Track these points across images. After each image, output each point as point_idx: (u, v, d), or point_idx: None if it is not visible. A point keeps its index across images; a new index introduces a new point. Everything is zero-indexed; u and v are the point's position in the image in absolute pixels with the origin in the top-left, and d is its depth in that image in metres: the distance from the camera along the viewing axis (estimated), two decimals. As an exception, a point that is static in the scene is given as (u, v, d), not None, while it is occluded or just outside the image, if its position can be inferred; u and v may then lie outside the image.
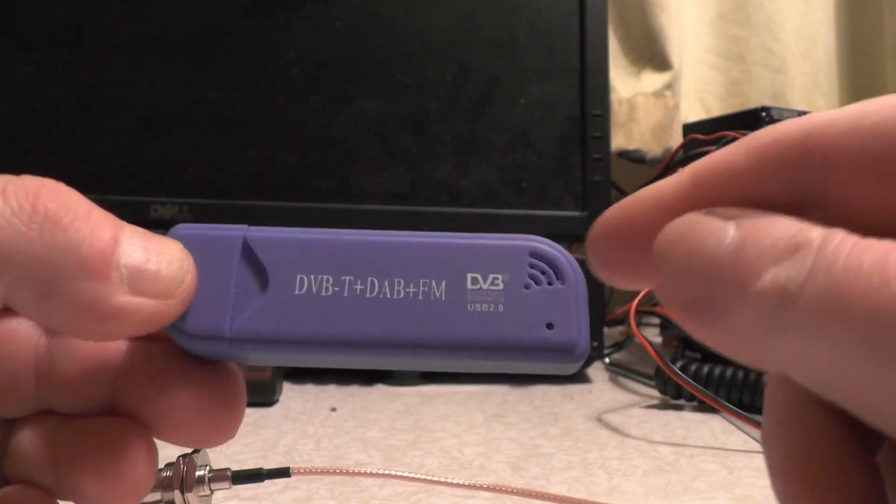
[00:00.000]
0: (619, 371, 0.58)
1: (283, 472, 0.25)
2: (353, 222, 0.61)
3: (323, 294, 0.16)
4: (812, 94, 1.02)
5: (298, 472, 0.25)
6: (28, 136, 0.59)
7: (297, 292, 0.16)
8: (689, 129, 0.83)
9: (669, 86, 0.95)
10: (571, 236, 0.65)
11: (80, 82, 0.60)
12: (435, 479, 0.26)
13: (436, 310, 0.15)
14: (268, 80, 0.61)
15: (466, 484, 0.26)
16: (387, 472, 0.26)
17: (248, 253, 0.16)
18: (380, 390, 0.55)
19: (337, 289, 0.16)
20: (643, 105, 0.94)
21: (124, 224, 0.16)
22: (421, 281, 0.16)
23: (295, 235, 0.16)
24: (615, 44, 0.96)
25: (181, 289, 0.16)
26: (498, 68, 0.62)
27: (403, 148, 0.61)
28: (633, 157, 0.94)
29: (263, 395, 0.48)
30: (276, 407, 0.48)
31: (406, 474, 0.26)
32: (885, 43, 1.01)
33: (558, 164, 0.62)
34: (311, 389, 0.54)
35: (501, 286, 0.15)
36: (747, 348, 0.13)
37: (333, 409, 0.47)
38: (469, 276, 0.15)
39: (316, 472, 0.26)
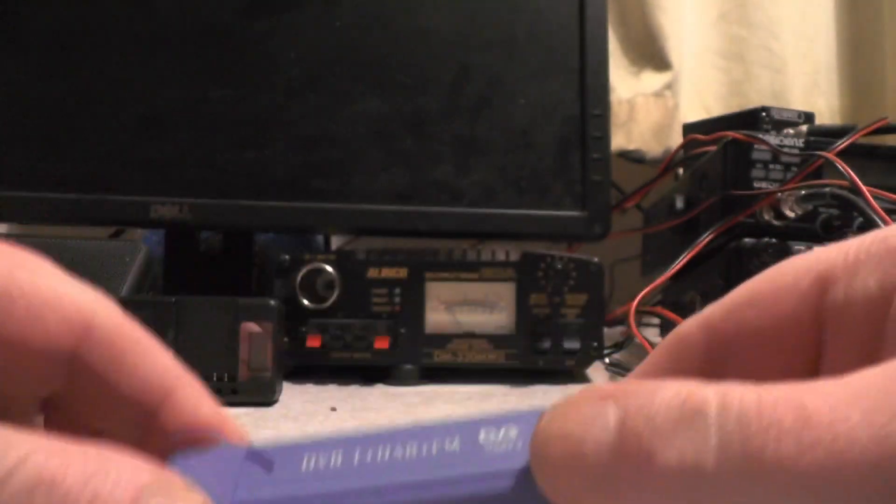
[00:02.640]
0: (619, 371, 0.58)
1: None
2: (353, 222, 0.61)
3: (331, 466, 0.15)
4: (812, 94, 1.02)
5: None
6: (28, 136, 0.59)
7: (303, 469, 0.15)
8: (689, 129, 0.82)
9: (669, 86, 0.95)
10: (571, 236, 0.65)
11: (80, 82, 0.60)
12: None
13: (450, 457, 0.14)
14: (268, 80, 0.61)
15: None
16: None
17: (252, 455, 0.15)
18: (380, 390, 0.55)
19: (345, 460, 0.15)
20: (643, 105, 0.94)
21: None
22: (434, 440, 0.15)
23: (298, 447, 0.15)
24: (615, 44, 0.96)
25: None
26: (498, 68, 0.62)
27: (403, 148, 0.61)
28: (633, 157, 0.94)
29: (263, 394, 0.48)
30: (276, 407, 0.48)
31: None
32: (885, 43, 1.01)
33: (558, 164, 0.62)
34: (311, 389, 0.54)
35: (516, 434, 0.14)
36: None
37: (333, 409, 0.47)
38: (482, 430, 0.14)
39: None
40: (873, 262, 0.14)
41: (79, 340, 0.16)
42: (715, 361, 0.15)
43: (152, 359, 0.17)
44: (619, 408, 0.12)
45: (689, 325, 0.16)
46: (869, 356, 0.13)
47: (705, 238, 0.57)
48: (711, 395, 0.11)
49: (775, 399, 0.10)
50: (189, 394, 0.18)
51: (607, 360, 0.61)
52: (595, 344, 0.58)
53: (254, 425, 0.43)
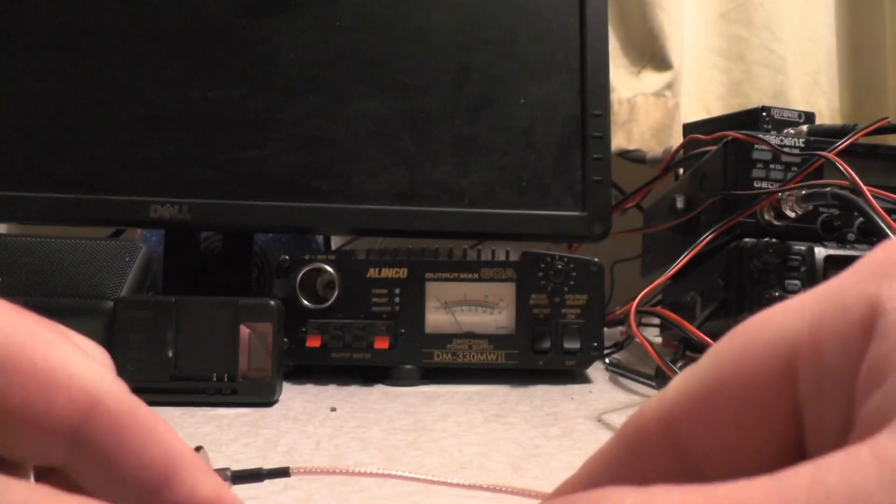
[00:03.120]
0: (619, 371, 0.58)
1: (282, 472, 0.25)
2: (353, 222, 0.61)
3: None
4: (812, 93, 1.02)
5: (298, 472, 0.25)
6: (28, 136, 0.59)
7: None
8: (689, 128, 0.83)
9: (670, 86, 0.95)
10: (571, 236, 0.65)
11: (80, 82, 0.60)
12: (435, 479, 0.26)
13: None
14: (268, 80, 0.61)
15: (466, 484, 0.26)
16: (386, 472, 0.26)
17: None
18: (380, 390, 0.55)
19: None
20: (643, 105, 0.94)
21: None
22: None
23: None
24: (615, 44, 0.96)
25: None
26: (498, 68, 0.62)
27: (403, 148, 0.61)
28: (633, 157, 0.94)
29: (263, 395, 0.48)
30: (276, 407, 0.48)
31: (405, 474, 0.26)
32: (886, 43, 1.01)
33: (558, 164, 0.62)
34: (310, 389, 0.54)
35: None
36: None
37: (333, 409, 0.47)
38: None
39: (315, 472, 0.26)
40: (837, 339, 0.13)
41: (83, 418, 0.17)
42: (676, 440, 0.15)
43: (157, 438, 0.18)
44: None
45: (645, 420, 0.15)
46: (846, 428, 0.13)
47: (705, 238, 0.57)
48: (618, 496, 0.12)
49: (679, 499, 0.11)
50: (192, 473, 0.18)
51: (607, 360, 0.61)
52: (595, 344, 0.58)
53: (254, 425, 0.43)
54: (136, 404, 0.18)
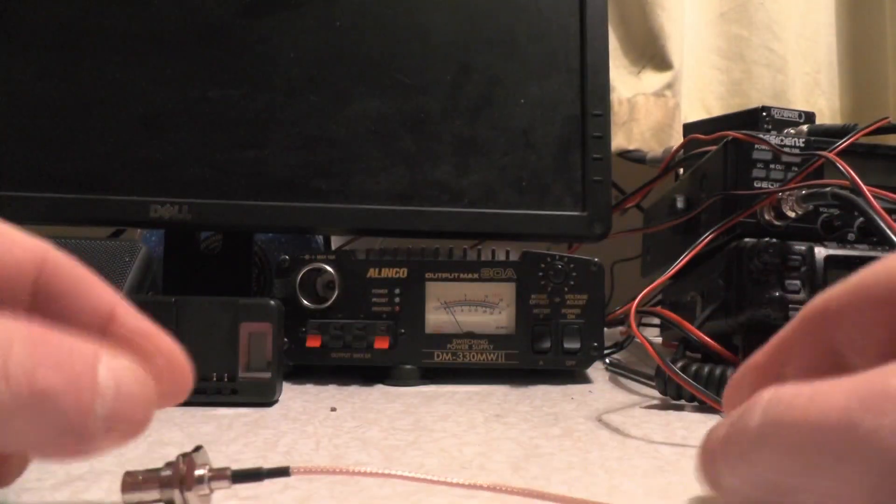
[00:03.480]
0: (619, 371, 0.58)
1: (282, 472, 0.25)
2: (353, 222, 0.61)
3: None
4: (813, 93, 1.02)
5: (298, 472, 0.25)
6: (28, 136, 0.59)
7: None
8: (689, 128, 0.83)
9: (670, 85, 0.95)
10: (571, 236, 0.65)
11: (80, 82, 0.60)
12: (435, 478, 0.26)
13: None
14: (268, 80, 0.61)
15: (466, 484, 0.26)
16: (387, 471, 0.26)
17: None
18: (380, 390, 0.55)
19: None
20: (643, 105, 0.94)
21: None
22: None
23: None
24: (615, 44, 0.96)
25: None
26: (498, 68, 0.62)
27: (403, 148, 0.61)
28: (633, 157, 0.94)
29: (263, 395, 0.48)
30: (276, 407, 0.48)
31: (406, 474, 0.26)
32: (886, 43, 1.01)
33: (558, 164, 0.62)
34: (310, 389, 0.54)
35: None
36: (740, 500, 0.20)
37: (333, 409, 0.47)
38: None
39: (316, 472, 0.26)
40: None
41: (38, 269, 0.22)
42: (828, 327, 0.21)
43: (98, 286, 0.23)
44: (728, 422, 0.20)
45: (816, 301, 0.22)
46: None
47: (705, 238, 0.57)
48: (764, 395, 0.18)
49: (804, 392, 0.17)
50: (126, 311, 0.24)
51: (607, 361, 0.61)
52: (595, 344, 0.58)
53: (254, 425, 0.43)
54: (75, 263, 0.23)
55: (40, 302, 0.22)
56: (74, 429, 0.18)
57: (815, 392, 0.16)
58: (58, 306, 0.22)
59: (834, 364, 0.21)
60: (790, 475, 0.17)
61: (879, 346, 0.19)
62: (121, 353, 0.20)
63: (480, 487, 0.26)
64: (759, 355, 0.24)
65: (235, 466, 0.27)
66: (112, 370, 0.19)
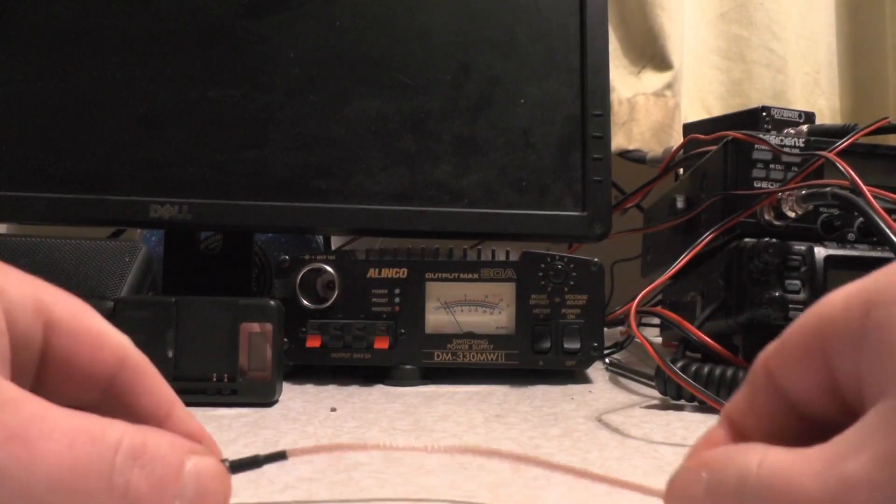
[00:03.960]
0: (619, 371, 0.58)
1: (279, 456, 0.25)
2: (353, 222, 0.61)
3: None
4: (813, 93, 1.02)
5: (295, 454, 0.25)
6: (28, 136, 0.59)
7: None
8: (689, 128, 0.82)
9: (670, 85, 0.95)
10: (571, 236, 0.65)
11: (79, 82, 0.60)
12: (429, 446, 0.25)
13: None
14: (268, 80, 0.61)
15: (460, 448, 0.26)
16: (386, 444, 0.26)
17: None
18: (380, 390, 0.55)
19: None
20: (643, 105, 0.94)
21: None
22: None
23: None
24: (615, 44, 0.96)
25: None
26: (498, 68, 0.62)
27: (403, 148, 0.61)
28: (633, 157, 0.94)
29: (263, 395, 0.48)
30: (276, 407, 0.48)
31: (406, 444, 0.26)
32: (886, 43, 1.01)
33: (558, 164, 0.62)
34: (310, 389, 0.54)
35: None
36: None
37: (333, 410, 0.47)
38: None
39: (312, 452, 0.26)
40: (849, 306, 0.20)
41: (117, 370, 0.24)
42: (773, 380, 0.22)
43: (163, 387, 0.25)
44: (707, 475, 0.20)
45: (758, 359, 0.22)
46: (860, 378, 0.19)
47: (705, 238, 0.57)
48: (754, 467, 0.19)
49: (783, 468, 0.18)
50: (182, 411, 0.25)
51: (607, 361, 0.61)
52: (595, 344, 0.58)
53: (254, 425, 0.43)
54: (148, 362, 0.25)
55: (109, 396, 0.24)
56: None
57: (793, 466, 0.18)
58: (123, 401, 0.24)
59: (788, 413, 0.22)
60: None
61: (822, 388, 0.20)
62: (203, 453, 0.22)
63: (477, 451, 0.26)
64: (717, 432, 0.24)
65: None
66: (197, 465, 0.21)
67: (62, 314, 0.23)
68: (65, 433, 0.19)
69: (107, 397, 0.24)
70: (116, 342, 0.24)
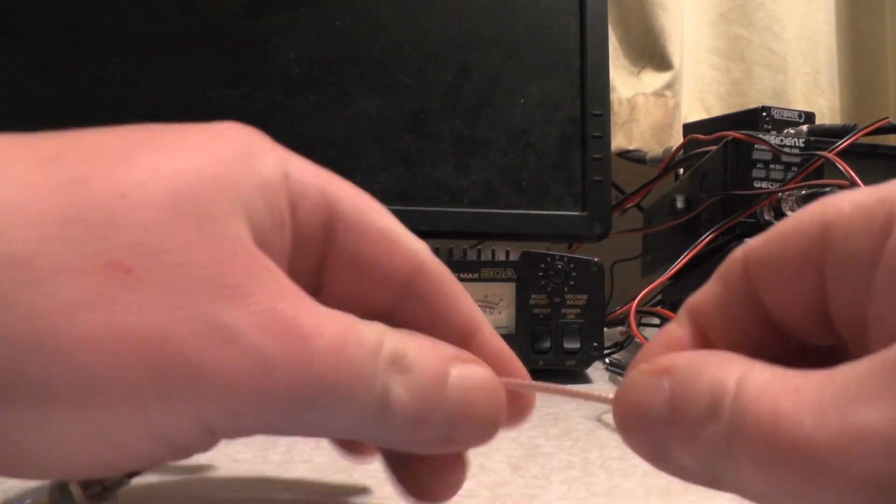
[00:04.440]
0: (619, 371, 0.58)
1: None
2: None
3: None
4: (813, 93, 1.02)
5: None
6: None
7: None
8: (689, 128, 0.83)
9: (670, 85, 0.95)
10: (571, 236, 0.65)
11: (80, 82, 0.60)
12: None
13: None
14: (268, 80, 0.61)
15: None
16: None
17: None
18: (380, 390, 0.55)
19: None
20: (643, 105, 0.94)
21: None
22: None
23: None
24: (615, 44, 0.96)
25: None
26: (498, 68, 0.62)
27: (403, 148, 0.61)
28: (633, 157, 0.94)
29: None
30: (276, 407, 0.48)
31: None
32: (886, 43, 1.01)
33: (558, 164, 0.62)
34: (311, 389, 0.54)
35: None
36: (698, 481, 0.16)
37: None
38: None
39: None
40: (864, 224, 0.16)
41: (412, 276, 0.21)
42: (751, 284, 0.18)
43: (466, 300, 0.22)
44: (671, 385, 0.16)
45: (737, 252, 0.19)
46: (859, 305, 0.16)
47: (706, 238, 0.57)
48: (731, 384, 0.15)
49: (769, 395, 0.14)
50: (491, 334, 0.22)
51: (607, 361, 0.61)
52: (595, 344, 0.58)
53: (253, 425, 0.43)
54: (450, 273, 0.22)
55: (402, 306, 0.21)
56: (406, 438, 0.18)
57: (782, 396, 0.14)
58: (419, 315, 0.21)
59: (762, 323, 0.18)
60: (755, 485, 0.14)
61: (808, 306, 0.17)
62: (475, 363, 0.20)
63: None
64: (676, 326, 0.20)
65: (235, 466, 0.27)
66: (463, 374, 0.19)
67: (349, 208, 0.21)
68: (338, 332, 0.17)
69: (398, 310, 0.21)
70: (412, 246, 0.21)
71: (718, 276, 0.19)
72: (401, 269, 0.21)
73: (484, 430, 0.20)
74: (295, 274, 0.19)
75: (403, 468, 0.22)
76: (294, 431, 0.18)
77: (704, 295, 0.19)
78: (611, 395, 0.20)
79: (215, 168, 0.17)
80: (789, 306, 0.18)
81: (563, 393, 0.22)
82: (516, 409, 0.22)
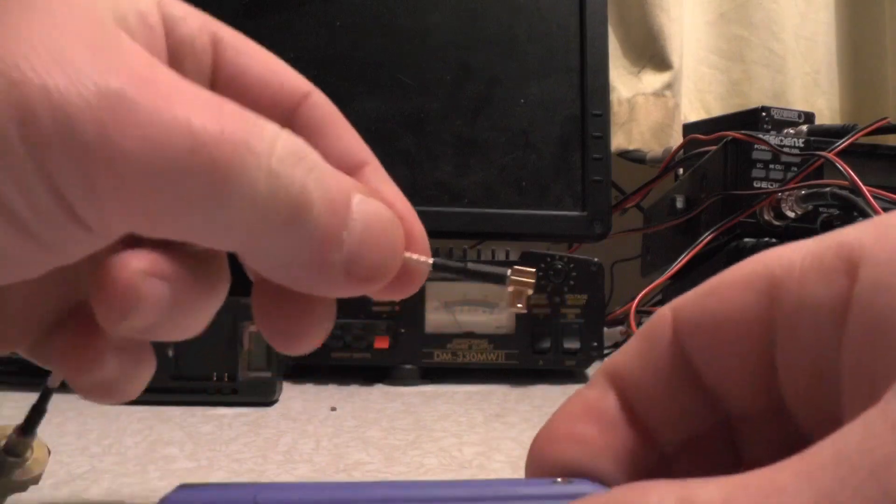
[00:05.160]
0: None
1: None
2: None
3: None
4: (812, 93, 1.02)
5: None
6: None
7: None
8: (689, 129, 0.83)
9: (669, 86, 0.95)
10: (571, 236, 0.65)
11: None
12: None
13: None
14: (268, 79, 0.61)
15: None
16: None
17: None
18: (380, 390, 0.55)
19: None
20: (643, 105, 0.94)
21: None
22: None
23: (308, 496, 0.15)
24: (615, 44, 0.96)
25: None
26: (498, 68, 0.62)
27: (403, 148, 0.61)
28: (633, 157, 0.94)
29: (263, 394, 0.48)
30: (276, 406, 0.48)
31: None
32: (886, 43, 1.01)
33: (558, 164, 0.62)
34: (310, 389, 0.54)
35: None
36: None
37: (333, 409, 0.47)
38: None
39: None
40: (822, 273, 0.14)
41: (298, 103, 0.20)
42: (682, 347, 0.15)
43: (351, 135, 0.21)
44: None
45: (664, 309, 0.16)
46: (819, 370, 0.13)
47: (705, 238, 0.57)
48: None
49: None
50: (377, 171, 0.22)
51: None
52: (595, 344, 0.58)
53: (254, 425, 0.43)
54: (336, 108, 0.21)
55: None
56: (314, 258, 0.16)
57: None
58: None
59: (694, 389, 0.15)
60: None
61: (753, 378, 0.15)
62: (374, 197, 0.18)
63: None
64: (596, 393, 0.17)
65: (235, 466, 0.27)
66: (365, 206, 0.17)
67: (231, 37, 0.21)
68: (211, 100, 0.15)
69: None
70: (298, 76, 0.20)
71: (643, 336, 0.16)
72: (288, 93, 0.20)
73: (383, 269, 0.18)
74: None
75: (274, 310, 0.21)
76: (175, 227, 0.15)
77: (626, 356, 0.16)
78: (508, 271, 0.20)
79: None
80: (728, 372, 0.15)
81: (462, 272, 0.22)
82: (407, 277, 0.20)
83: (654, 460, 0.16)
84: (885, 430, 0.10)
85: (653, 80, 0.95)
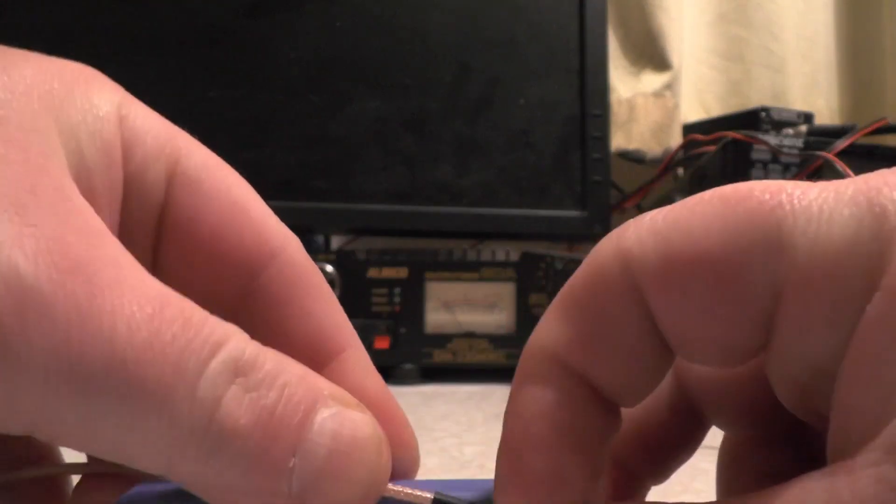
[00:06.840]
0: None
1: None
2: (353, 222, 0.61)
3: None
4: (812, 94, 1.02)
5: None
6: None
7: None
8: (688, 129, 0.83)
9: (669, 86, 0.95)
10: (571, 236, 0.65)
11: (80, 82, 0.60)
12: None
13: None
14: (268, 80, 0.61)
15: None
16: None
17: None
18: (380, 390, 0.55)
19: None
20: (643, 105, 0.94)
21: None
22: None
23: None
24: (615, 44, 0.96)
25: None
26: (498, 68, 0.62)
27: (403, 148, 0.61)
28: (632, 157, 0.94)
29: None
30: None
31: None
32: (885, 43, 1.01)
33: (558, 164, 0.62)
34: (311, 389, 0.54)
35: None
36: None
37: (333, 409, 0.47)
38: None
39: None
40: (854, 219, 0.11)
41: (264, 265, 0.16)
42: (643, 306, 0.13)
43: (329, 310, 0.16)
44: None
45: (604, 258, 0.14)
46: (833, 342, 0.11)
47: (705, 238, 0.57)
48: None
49: None
50: (359, 360, 0.16)
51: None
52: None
53: (254, 425, 0.43)
54: (317, 271, 0.16)
55: (249, 305, 0.16)
56: (255, 489, 0.12)
57: None
58: (270, 316, 0.16)
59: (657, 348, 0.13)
60: None
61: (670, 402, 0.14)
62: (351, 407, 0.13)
63: None
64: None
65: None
66: (333, 424, 0.13)
67: (195, 165, 0.16)
68: (150, 298, 0.12)
69: (243, 309, 0.16)
70: (272, 227, 0.16)
71: (583, 299, 0.13)
72: (251, 250, 0.16)
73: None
74: (129, 241, 0.14)
75: None
76: (81, 443, 0.12)
77: (565, 329, 0.13)
78: None
79: (42, 83, 0.14)
80: (714, 337, 0.13)
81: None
82: (398, 471, 0.15)
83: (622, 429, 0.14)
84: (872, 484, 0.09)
85: (652, 80, 0.95)
